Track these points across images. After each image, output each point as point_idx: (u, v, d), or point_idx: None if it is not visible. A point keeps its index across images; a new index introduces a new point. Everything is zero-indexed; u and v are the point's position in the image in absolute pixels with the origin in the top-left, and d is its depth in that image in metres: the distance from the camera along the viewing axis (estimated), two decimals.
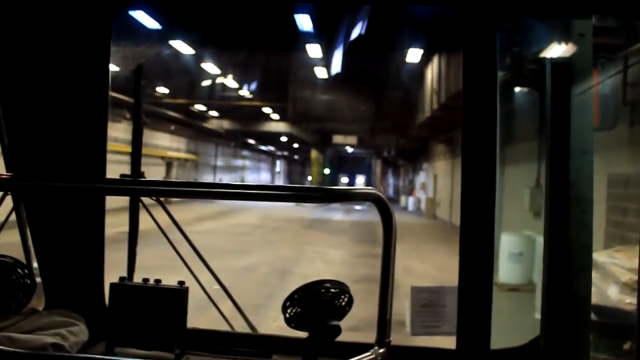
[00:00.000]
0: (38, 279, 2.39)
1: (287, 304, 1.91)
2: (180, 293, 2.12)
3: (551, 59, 2.04)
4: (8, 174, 2.08)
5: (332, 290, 1.91)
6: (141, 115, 2.63)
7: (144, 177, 2.60)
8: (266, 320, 7.11)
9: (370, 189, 1.53)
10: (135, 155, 2.56)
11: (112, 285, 2.20)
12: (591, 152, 1.97)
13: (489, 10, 1.96)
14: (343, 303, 1.92)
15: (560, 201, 1.99)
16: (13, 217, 2.77)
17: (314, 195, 1.48)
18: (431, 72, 23.96)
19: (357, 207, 33.52)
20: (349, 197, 1.54)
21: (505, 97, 2.10)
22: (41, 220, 2.49)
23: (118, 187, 1.78)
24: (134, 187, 1.97)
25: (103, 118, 2.45)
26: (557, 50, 2.11)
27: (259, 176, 64.32)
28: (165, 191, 1.89)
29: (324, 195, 1.48)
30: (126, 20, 2.67)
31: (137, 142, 2.58)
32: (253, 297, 8.97)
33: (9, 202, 2.87)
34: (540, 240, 11.46)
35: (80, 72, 2.40)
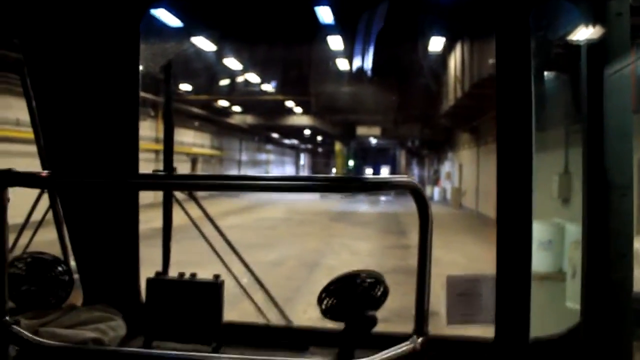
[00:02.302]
0: (76, 276, 2.43)
1: (323, 295, 1.91)
2: (216, 287, 2.14)
3: (587, 40, 1.99)
4: (45, 171, 2.11)
5: (368, 280, 1.91)
6: (172, 112, 2.65)
7: (176, 172, 2.63)
8: (296, 313, 7.14)
9: (406, 178, 1.51)
10: (167, 151, 2.58)
11: (148, 280, 2.22)
12: (630, 135, 1.93)
13: None
14: (379, 293, 1.92)
15: (599, 186, 1.95)
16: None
17: (350, 185, 1.47)
18: (454, 60, 23.72)
19: (383, 198, 33.42)
20: (384, 186, 1.53)
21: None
22: (77, 218, 2.52)
23: (152, 182, 1.79)
24: (167, 181, 1.98)
25: (134, 115, 2.48)
26: (591, 31, 2.06)
27: (284, 170, 64.51)
28: (198, 185, 1.90)
29: (360, 185, 1.47)
30: (151, 20, 2.69)
31: (168, 138, 2.60)
32: (282, 290, 9.02)
33: (45, 201, 2.92)
34: (569, 227, 11.33)
35: (111, 72, 2.43)
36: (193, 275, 2.18)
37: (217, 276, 2.18)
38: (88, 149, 2.45)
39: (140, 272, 2.54)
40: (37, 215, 3.56)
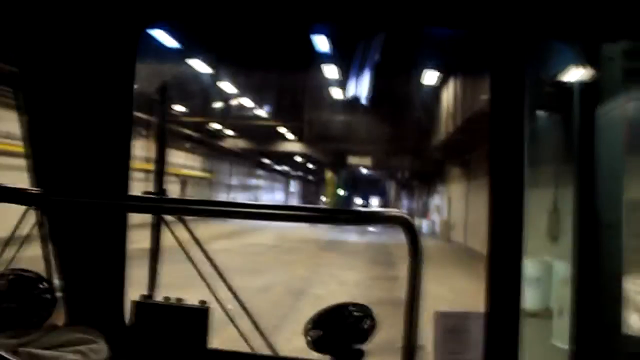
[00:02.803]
0: (59, 294, 2.38)
1: (309, 326, 1.88)
2: (202, 313, 2.11)
3: (579, 82, 2.02)
4: (37, 189, 2.09)
5: (355, 313, 1.89)
6: (165, 134, 2.64)
7: (167, 195, 2.61)
8: (281, 341, 7.05)
9: (396, 212, 1.51)
10: (159, 173, 2.57)
11: (133, 303, 2.19)
12: (621, 175, 1.94)
13: (518, 34, 1.96)
14: (366, 326, 1.89)
15: (589, 225, 1.96)
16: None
17: (340, 216, 1.46)
18: (447, 95, 23.98)
19: (372, 229, 33.41)
20: (375, 219, 1.53)
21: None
22: (64, 236, 2.49)
23: (142, 204, 1.78)
24: (157, 204, 1.97)
25: (127, 136, 2.47)
26: (584, 73, 2.09)
27: (274, 196, 64.34)
28: (188, 209, 1.89)
29: (351, 217, 1.47)
30: (148, 41, 2.70)
31: (160, 159, 2.59)
32: (268, 317, 8.90)
33: (30, 218, 2.88)
34: (557, 265, 11.33)
35: (105, 92, 2.42)
36: (179, 300, 2.15)
37: (203, 302, 2.15)
38: (79, 166, 2.43)
39: (125, 294, 2.50)
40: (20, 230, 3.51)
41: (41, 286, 2.22)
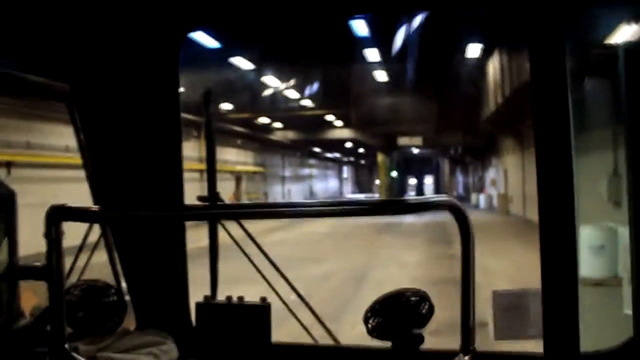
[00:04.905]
0: (127, 297, 2.50)
1: (369, 314, 1.92)
2: (263, 309, 2.17)
3: (624, 44, 1.96)
4: (96, 206, 2.21)
5: (413, 299, 1.91)
6: (213, 137, 2.71)
7: (220, 198, 2.67)
8: (343, 327, 7.14)
9: (444, 198, 1.53)
10: (211, 177, 2.63)
11: (197, 304, 2.27)
12: None
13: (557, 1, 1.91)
14: (424, 311, 1.92)
15: None
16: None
17: (390, 207, 1.50)
18: (493, 67, 23.47)
19: None
20: (423, 207, 1.55)
21: (572, 86, 2.02)
22: (127, 247, 2.60)
23: (197, 213, 1.86)
24: (212, 211, 2.05)
25: (177, 145, 2.53)
26: (629, 34, 2.03)
27: (327, 184, 64.55)
28: (242, 213, 1.96)
29: (401, 207, 1.49)
30: (189, 46, 2.75)
31: (211, 163, 2.65)
32: (331, 305, 9.02)
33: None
34: (623, 231, 10.97)
35: (152, 103, 2.49)
36: (240, 298, 2.22)
37: (264, 299, 2.21)
38: (134, 178, 2.53)
39: (189, 297, 2.59)
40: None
41: (111, 294, 2.33)
